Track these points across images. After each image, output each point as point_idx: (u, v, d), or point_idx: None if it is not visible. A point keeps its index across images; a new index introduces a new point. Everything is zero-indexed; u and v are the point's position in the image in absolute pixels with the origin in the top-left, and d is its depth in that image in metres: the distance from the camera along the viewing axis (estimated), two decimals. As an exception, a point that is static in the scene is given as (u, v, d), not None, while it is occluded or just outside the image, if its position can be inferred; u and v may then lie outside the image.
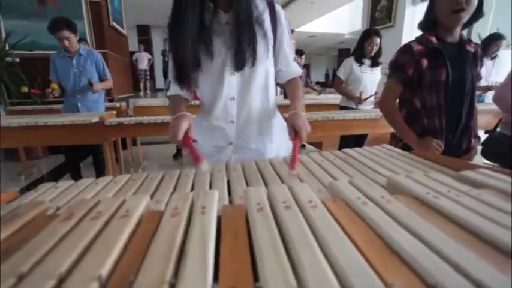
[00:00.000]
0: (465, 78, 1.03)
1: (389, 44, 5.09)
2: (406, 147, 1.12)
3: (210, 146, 0.86)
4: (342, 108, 2.53)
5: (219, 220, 0.36)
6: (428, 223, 0.33)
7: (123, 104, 3.09)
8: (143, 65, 8.11)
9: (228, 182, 0.58)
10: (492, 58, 2.76)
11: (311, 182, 0.55)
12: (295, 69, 0.88)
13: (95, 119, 1.71)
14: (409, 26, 4.82)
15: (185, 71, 0.73)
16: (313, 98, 4.47)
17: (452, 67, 1.01)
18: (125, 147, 2.92)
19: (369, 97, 2.29)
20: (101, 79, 2.32)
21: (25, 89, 2.25)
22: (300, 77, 0.89)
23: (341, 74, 2.37)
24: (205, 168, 0.57)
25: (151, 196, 0.50)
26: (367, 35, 2.21)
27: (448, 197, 0.39)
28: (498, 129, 1.37)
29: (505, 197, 0.39)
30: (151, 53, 10.19)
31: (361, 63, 2.30)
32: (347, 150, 0.77)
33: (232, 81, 0.78)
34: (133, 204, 0.39)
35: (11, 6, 3.54)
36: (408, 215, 0.35)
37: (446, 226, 0.34)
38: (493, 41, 2.65)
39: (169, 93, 0.84)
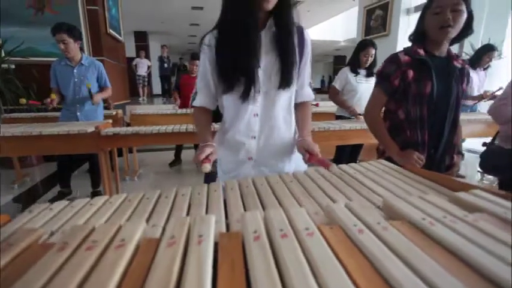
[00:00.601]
0: (450, 93, 1.03)
1: (384, 53, 5.16)
2: (388, 161, 1.13)
3: (230, 161, 0.88)
4: (338, 117, 2.56)
5: (216, 245, 0.36)
6: (424, 253, 0.33)
7: (120, 111, 3.07)
8: (142, 71, 8.11)
9: (225, 201, 0.58)
10: (485, 69, 2.81)
11: (308, 203, 0.55)
12: (309, 94, 0.91)
13: (91, 129, 1.70)
14: (403, 35, 4.91)
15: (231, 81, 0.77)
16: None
17: (438, 80, 1.02)
18: (120, 154, 2.90)
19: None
20: (101, 88, 2.32)
21: (23, 101, 2.23)
22: None
23: (337, 84, 2.40)
24: (206, 168, 0.65)
25: (148, 218, 0.50)
26: (363, 46, 2.25)
27: (443, 224, 0.39)
28: (496, 142, 1.37)
29: (502, 224, 0.40)
30: (148, 58, 10.23)
31: (356, 74, 2.33)
32: (343, 166, 0.78)
33: (257, 98, 0.80)
34: (129, 232, 0.38)
35: (9, 13, 3.53)
36: (404, 244, 0.35)
37: (442, 256, 0.34)
38: (485, 52, 2.70)
39: (195, 103, 0.87)
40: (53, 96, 2.14)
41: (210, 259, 0.33)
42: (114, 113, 2.87)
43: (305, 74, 0.87)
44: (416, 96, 1.04)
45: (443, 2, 0.96)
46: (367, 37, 5.59)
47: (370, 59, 2.27)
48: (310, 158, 0.73)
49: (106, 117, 2.69)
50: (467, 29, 1.00)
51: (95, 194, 2.43)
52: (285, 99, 0.83)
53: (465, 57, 4.36)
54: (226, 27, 0.75)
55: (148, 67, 8.29)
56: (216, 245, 0.36)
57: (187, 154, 3.55)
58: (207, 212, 0.52)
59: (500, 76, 4.35)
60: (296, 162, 0.91)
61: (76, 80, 2.17)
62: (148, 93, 9.31)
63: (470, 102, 2.83)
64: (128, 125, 3.35)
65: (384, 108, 1.18)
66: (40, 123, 2.06)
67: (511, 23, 4.44)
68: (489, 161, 1.33)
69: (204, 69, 0.81)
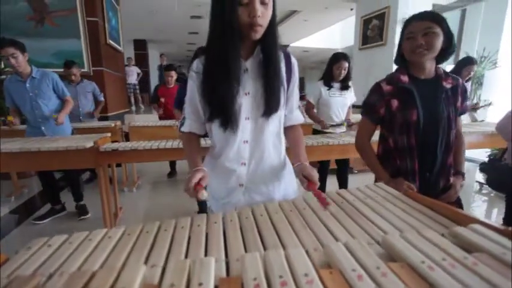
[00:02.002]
0: (438, 117, 1.00)
1: (381, 62, 5.27)
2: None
3: (220, 188, 0.87)
4: (315, 131, 2.55)
5: None
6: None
7: (118, 123, 3.07)
8: (132, 79, 7.96)
9: (224, 232, 0.58)
10: (466, 81, 2.84)
11: (307, 237, 0.55)
12: (298, 117, 0.92)
13: (89, 144, 1.70)
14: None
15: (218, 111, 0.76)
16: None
17: (424, 107, 0.99)
18: (119, 164, 2.89)
19: (336, 125, 2.30)
20: (61, 99, 2.26)
21: (11, 118, 2.18)
22: None
23: (311, 98, 2.41)
24: (204, 195, 0.63)
25: (147, 255, 0.50)
26: (335, 59, 2.25)
27: (443, 268, 0.39)
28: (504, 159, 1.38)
29: (501, 267, 0.40)
30: (147, 66, 10.27)
31: (330, 87, 2.34)
32: (342, 192, 0.78)
33: (246, 125, 0.80)
34: (129, 279, 0.38)
35: (9, 25, 3.55)
36: (404, 293, 0.35)
37: (442, 307, 0.34)
38: (464, 66, 2.69)
39: (183, 128, 0.87)
40: (10, 118, 2.09)
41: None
42: (113, 124, 2.87)
43: (294, 99, 0.88)
44: (402, 125, 1.02)
45: (414, 27, 0.96)
46: (364, 46, 5.67)
47: (344, 72, 2.26)
48: (309, 186, 0.73)
49: (104, 129, 2.69)
50: (449, 48, 0.98)
51: (79, 207, 2.39)
52: (274, 124, 0.83)
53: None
54: (211, 55, 0.76)
55: (138, 74, 8.12)
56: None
57: (182, 165, 3.54)
58: (206, 248, 0.52)
59: (496, 85, 4.40)
60: (286, 186, 0.91)
61: (31, 94, 2.09)
62: (146, 100, 9.30)
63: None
64: (127, 134, 3.35)
65: (379, 132, 1.17)
66: (38, 137, 2.05)
67: (508, 32, 4.50)
68: (497, 178, 1.33)
69: (191, 94, 0.81)
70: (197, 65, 0.79)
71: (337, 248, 0.45)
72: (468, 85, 2.89)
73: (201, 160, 0.81)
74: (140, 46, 10.73)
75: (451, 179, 1.10)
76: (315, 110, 2.46)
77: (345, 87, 2.36)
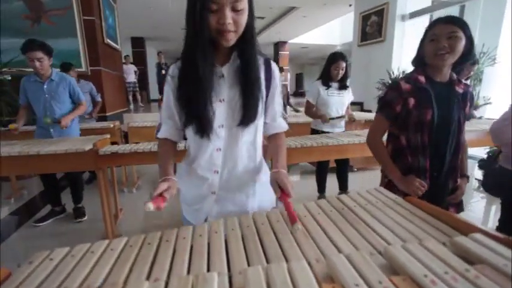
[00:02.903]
0: (451, 119, 1.04)
1: (380, 58, 5.25)
2: (391, 184, 1.14)
3: (192, 194, 0.86)
4: (313, 131, 2.55)
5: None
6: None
7: (117, 123, 3.06)
8: (131, 77, 7.92)
9: (226, 243, 0.58)
10: (466, 79, 2.84)
11: (309, 247, 0.55)
12: (281, 124, 0.89)
13: (89, 147, 1.69)
14: (399, 41, 4.96)
15: (192, 117, 0.75)
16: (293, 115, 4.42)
17: (438, 108, 1.03)
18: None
19: (336, 118, 2.30)
20: (75, 103, 2.27)
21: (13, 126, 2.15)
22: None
23: (310, 98, 2.42)
24: (149, 207, 0.59)
25: (150, 269, 0.50)
26: (333, 59, 2.26)
27: (445, 283, 0.40)
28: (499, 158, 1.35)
29: (503, 279, 0.40)
30: (145, 64, 10.22)
31: (328, 87, 2.35)
32: (343, 198, 0.78)
33: (220, 133, 0.78)
34: (132, 297, 0.38)
35: (5, 24, 3.52)
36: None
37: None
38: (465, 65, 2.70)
39: (159, 134, 0.85)
40: (12, 126, 2.06)
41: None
42: (112, 125, 2.86)
43: (275, 106, 0.86)
44: (417, 123, 1.05)
45: (438, 30, 0.99)
46: (363, 43, 5.65)
47: (341, 72, 2.28)
48: (282, 196, 0.69)
49: (103, 130, 2.68)
50: (469, 54, 1.01)
51: (76, 210, 2.39)
52: (249, 133, 0.81)
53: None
54: (185, 60, 0.74)
55: (135, 72, 8.07)
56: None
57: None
58: (209, 261, 0.51)
59: (495, 81, 4.40)
60: (261, 197, 0.89)
61: (46, 96, 2.10)
62: (144, 98, 9.27)
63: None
64: (126, 134, 3.34)
65: (387, 131, 1.19)
66: (37, 139, 2.04)
67: (507, 28, 4.48)
68: (492, 181, 1.33)
69: (167, 100, 0.80)
70: (173, 69, 0.78)
71: (339, 261, 0.45)
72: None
73: (172, 168, 0.78)
74: (138, 44, 10.66)
75: (458, 181, 1.14)
76: (314, 109, 2.46)
77: (343, 86, 2.37)
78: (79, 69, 3.56)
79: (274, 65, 0.83)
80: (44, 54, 1.97)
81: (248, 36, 0.72)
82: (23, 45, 1.93)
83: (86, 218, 2.35)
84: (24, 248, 1.95)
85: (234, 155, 0.81)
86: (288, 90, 4.14)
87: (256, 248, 0.56)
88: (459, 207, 1.19)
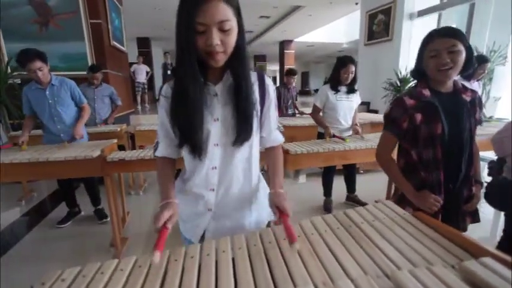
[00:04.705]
0: (462, 129, 1.02)
1: (387, 58, 5.19)
2: (402, 197, 1.12)
3: (189, 211, 0.86)
4: (320, 134, 2.54)
5: None
6: None
7: (124, 126, 3.09)
8: (142, 77, 7.85)
9: (233, 261, 0.59)
10: (478, 80, 2.79)
11: (315, 267, 0.55)
12: (277, 138, 0.89)
13: (97, 153, 1.72)
14: (406, 40, 4.88)
15: (186, 138, 0.75)
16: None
17: (448, 120, 1.00)
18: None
19: (338, 136, 2.25)
20: (78, 106, 2.29)
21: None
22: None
23: (318, 102, 2.41)
24: (155, 260, 0.56)
25: (158, 291, 0.51)
26: (343, 63, 2.25)
27: (454, 314, 0.39)
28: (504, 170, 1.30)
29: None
30: (151, 65, 10.27)
31: (336, 91, 2.34)
32: (350, 213, 0.78)
33: (215, 152, 0.78)
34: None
35: (14, 29, 3.58)
36: None
37: None
38: (479, 64, 2.65)
39: (157, 153, 0.85)
40: (24, 148, 1.97)
41: None
42: (119, 129, 2.89)
43: (270, 120, 0.86)
44: (427, 138, 1.02)
45: (439, 45, 0.95)
46: (370, 42, 5.58)
47: (351, 76, 2.27)
48: (281, 217, 0.70)
49: (110, 135, 2.71)
50: (470, 62, 0.99)
51: (97, 211, 2.43)
52: (245, 151, 0.80)
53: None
54: (176, 80, 0.74)
55: (147, 73, 8.01)
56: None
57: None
58: (216, 280, 0.52)
59: (505, 81, 4.30)
60: (258, 213, 0.89)
61: (50, 101, 2.12)
62: (150, 99, 9.32)
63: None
64: (132, 136, 3.37)
65: (398, 146, 1.16)
66: (47, 145, 2.08)
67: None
68: (495, 193, 1.27)
69: (162, 119, 0.79)
70: (166, 89, 0.77)
71: (346, 287, 0.45)
72: (480, 83, 2.83)
73: (173, 189, 0.78)
74: (144, 44, 10.74)
75: (473, 189, 1.12)
76: (321, 114, 2.46)
77: (351, 90, 2.36)
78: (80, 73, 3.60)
79: (268, 80, 0.83)
80: (42, 62, 1.97)
81: (239, 56, 0.71)
82: (20, 58, 1.92)
83: (108, 218, 2.32)
84: (46, 248, 2.02)
85: (230, 173, 0.81)
86: (297, 92, 4.10)
87: (263, 267, 0.56)
88: (475, 217, 1.16)
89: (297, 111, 4.17)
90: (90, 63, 3.80)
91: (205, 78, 0.73)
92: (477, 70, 2.64)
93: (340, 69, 2.27)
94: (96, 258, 2.04)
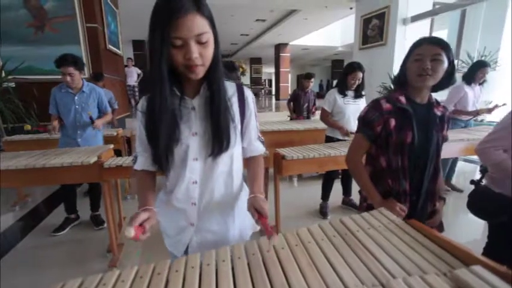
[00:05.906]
0: (430, 142, 1.02)
1: (381, 62, 5.26)
2: (370, 208, 1.09)
3: (171, 226, 0.86)
4: (328, 138, 2.60)
5: None
6: None
7: (120, 131, 3.09)
8: (132, 80, 7.78)
9: (233, 270, 0.60)
10: (480, 84, 2.85)
11: (312, 278, 0.56)
12: (258, 148, 0.89)
13: (94, 159, 1.71)
14: (400, 44, 4.96)
15: (159, 154, 0.74)
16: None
17: (418, 130, 1.01)
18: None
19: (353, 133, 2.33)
20: (101, 113, 2.34)
21: (28, 127, 2.25)
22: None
23: (326, 106, 2.49)
24: (128, 233, 0.60)
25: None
26: (351, 69, 2.34)
27: (446, 323, 0.41)
28: (483, 181, 1.27)
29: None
30: (146, 68, 10.23)
31: (344, 95, 2.43)
32: (345, 220, 0.80)
33: (195, 166, 0.78)
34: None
35: (9, 32, 3.56)
36: None
37: None
38: (479, 68, 2.72)
39: (136, 166, 0.84)
40: (55, 123, 2.15)
41: None
42: (115, 133, 2.89)
43: (251, 131, 0.86)
44: (397, 145, 1.02)
45: (423, 50, 0.97)
46: (365, 46, 5.65)
47: (358, 82, 2.36)
48: (259, 219, 0.71)
49: (108, 139, 2.71)
50: (450, 78, 1.01)
51: (94, 217, 2.42)
52: (225, 163, 0.80)
53: (462, 65, 4.41)
54: (150, 95, 0.72)
55: (138, 75, 7.93)
56: None
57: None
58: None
59: (496, 85, 4.40)
60: (241, 225, 0.89)
61: (77, 107, 2.19)
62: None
63: (464, 117, 2.88)
64: (128, 140, 3.36)
65: (365, 153, 1.16)
66: (43, 150, 2.07)
67: (508, 31, 4.48)
68: (477, 202, 1.26)
69: (140, 134, 0.79)
70: (142, 103, 0.76)
71: (343, 299, 0.47)
72: (481, 88, 2.89)
73: (153, 199, 0.77)
74: (139, 47, 10.71)
75: (437, 204, 1.11)
76: (330, 118, 2.51)
77: (358, 95, 2.44)
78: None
79: (247, 91, 0.83)
80: (75, 69, 2.07)
81: (214, 67, 0.71)
82: (58, 59, 2.04)
83: (105, 225, 2.35)
84: (36, 257, 1.98)
85: (211, 186, 0.81)
86: (314, 95, 4.12)
87: (262, 277, 0.57)
88: (439, 229, 1.15)
89: (312, 116, 4.17)
90: (86, 67, 3.80)
91: (181, 92, 0.73)
92: (477, 74, 2.71)
93: (348, 75, 2.35)
94: (93, 265, 2.00)
